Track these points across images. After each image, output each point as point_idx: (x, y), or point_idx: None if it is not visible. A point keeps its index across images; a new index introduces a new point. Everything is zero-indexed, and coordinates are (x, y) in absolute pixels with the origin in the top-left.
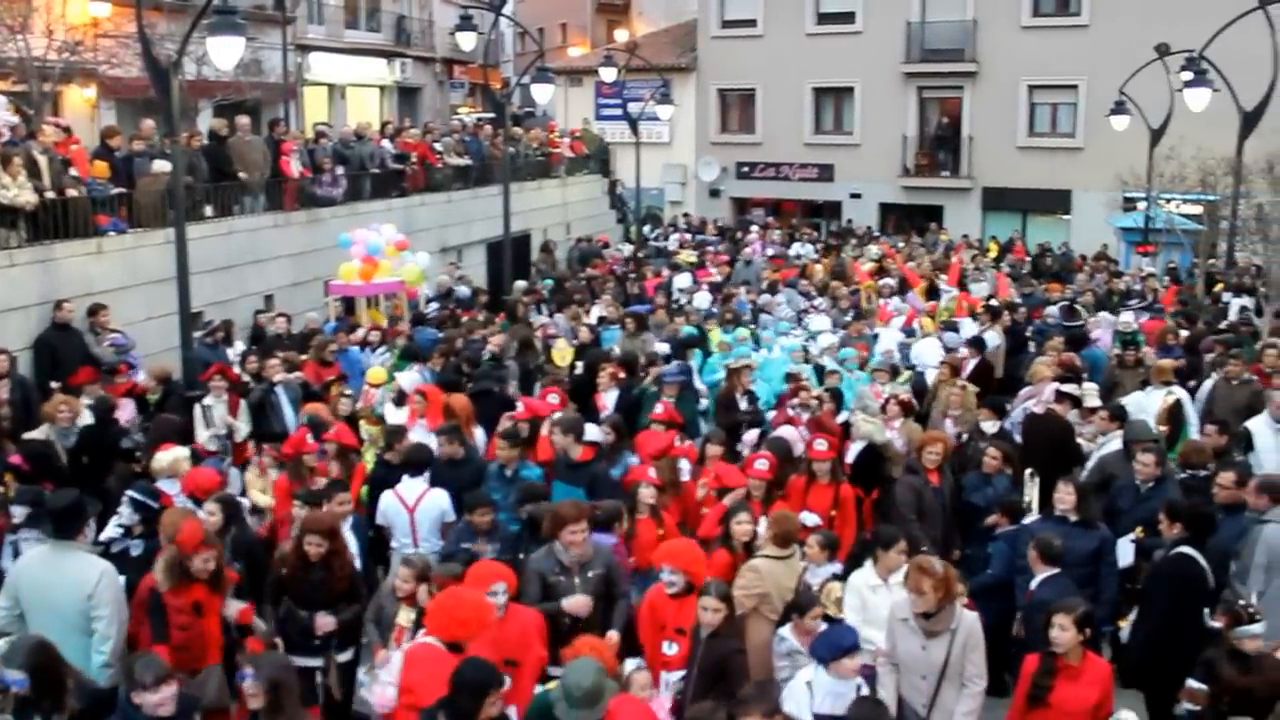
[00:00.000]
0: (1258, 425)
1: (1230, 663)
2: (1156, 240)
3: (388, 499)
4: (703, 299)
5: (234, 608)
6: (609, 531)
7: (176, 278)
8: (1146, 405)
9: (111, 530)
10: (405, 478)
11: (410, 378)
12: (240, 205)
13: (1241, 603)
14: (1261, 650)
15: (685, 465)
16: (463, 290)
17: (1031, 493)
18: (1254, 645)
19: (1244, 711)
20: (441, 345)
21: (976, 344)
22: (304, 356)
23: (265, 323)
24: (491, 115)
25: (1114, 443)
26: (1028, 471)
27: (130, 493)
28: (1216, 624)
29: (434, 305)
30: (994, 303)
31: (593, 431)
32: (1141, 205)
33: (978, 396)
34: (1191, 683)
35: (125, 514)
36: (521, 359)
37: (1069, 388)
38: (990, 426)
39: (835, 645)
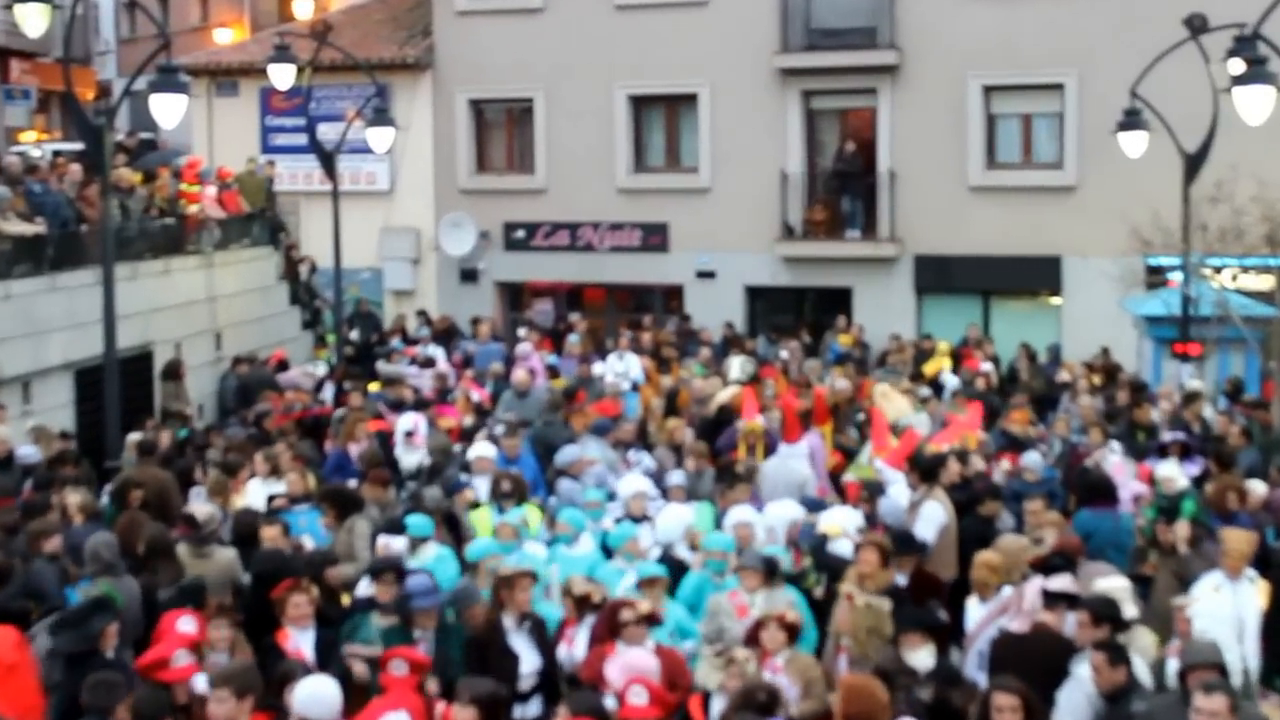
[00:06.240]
0: None
1: None
2: (1203, 335)
3: None
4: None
5: None
6: None
7: None
8: (1218, 611)
9: None
10: None
11: None
12: None
13: None
14: None
15: None
16: (26, 453)
17: None
18: None
19: None
20: None
21: (908, 544)
22: None
23: None
24: (80, 147)
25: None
26: None
27: None
28: None
29: None
30: (935, 451)
31: None
32: (1175, 278)
33: (917, 611)
34: None
35: None
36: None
37: (1061, 583)
38: (923, 659)
39: None
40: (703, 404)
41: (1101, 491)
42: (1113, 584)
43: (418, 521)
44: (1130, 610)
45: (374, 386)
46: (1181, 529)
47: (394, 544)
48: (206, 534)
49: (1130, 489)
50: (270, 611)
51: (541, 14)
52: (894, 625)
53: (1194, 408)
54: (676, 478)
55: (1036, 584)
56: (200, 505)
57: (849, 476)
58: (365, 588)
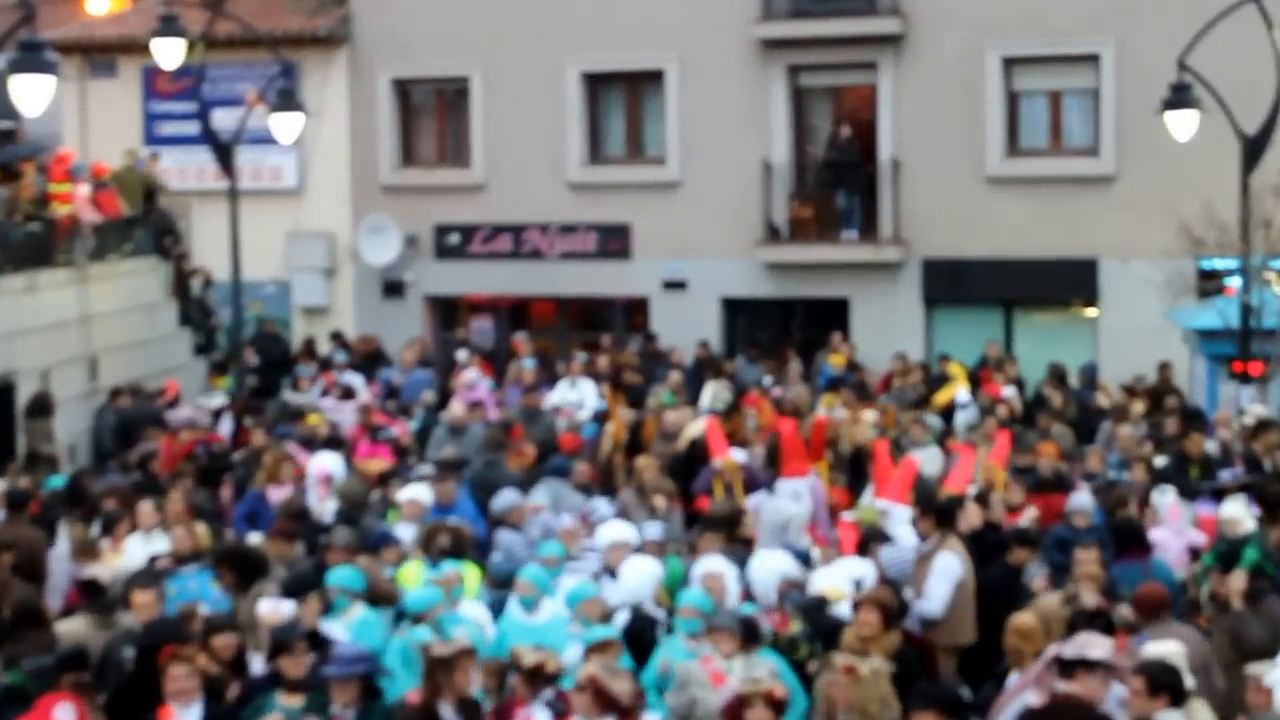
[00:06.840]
0: None
1: None
2: (1267, 352)
3: None
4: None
5: None
6: None
7: None
8: None
9: None
10: None
11: None
12: None
13: None
14: None
15: None
16: None
17: None
18: None
19: None
20: None
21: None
22: None
23: None
24: None
25: None
26: None
27: None
28: None
29: None
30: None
31: None
32: (1232, 284)
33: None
34: None
35: None
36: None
37: (1079, 647)
38: None
39: None
40: (671, 439)
41: (1128, 538)
42: (1165, 648)
43: (345, 574)
44: (1189, 680)
45: None
46: (1236, 580)
47: (282, 608)
48: (112, 600)
49: (1186, 538)
50: (151, 688)
51: None
52: (906, 702)
53: (1266, 439)
54: (653, 530)
55: (1049, 653)
56: (101, 568)
57: (847, 517)
58: (261, 665)
